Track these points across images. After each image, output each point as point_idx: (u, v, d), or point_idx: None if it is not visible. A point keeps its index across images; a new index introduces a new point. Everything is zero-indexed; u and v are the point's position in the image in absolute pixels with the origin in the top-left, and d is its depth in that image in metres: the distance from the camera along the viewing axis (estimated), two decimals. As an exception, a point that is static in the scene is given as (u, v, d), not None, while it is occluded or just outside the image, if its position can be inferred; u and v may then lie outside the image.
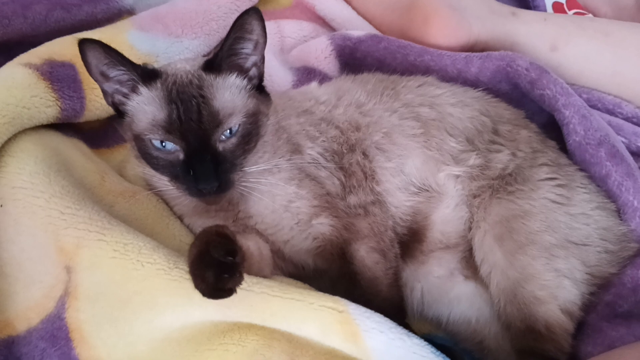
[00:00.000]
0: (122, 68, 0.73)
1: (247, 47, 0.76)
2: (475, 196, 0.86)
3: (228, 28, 1.09)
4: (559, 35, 1.09)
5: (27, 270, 0.74)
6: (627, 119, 1.06)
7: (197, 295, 0.66)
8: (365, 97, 0.90)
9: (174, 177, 0.73)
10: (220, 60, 0.74)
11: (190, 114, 0.71)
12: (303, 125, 0.87)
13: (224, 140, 0.73)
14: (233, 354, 0.69)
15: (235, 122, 0.73)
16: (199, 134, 0.71)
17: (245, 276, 0.68)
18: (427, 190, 0.86)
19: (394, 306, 0.81)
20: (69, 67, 0.90)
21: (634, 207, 0.86)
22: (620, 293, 0.81)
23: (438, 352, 0.72)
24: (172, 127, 0.71)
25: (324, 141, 0.86)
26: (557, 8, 1.34)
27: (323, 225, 0.81)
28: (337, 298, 0.71)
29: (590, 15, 1.33)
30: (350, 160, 0.85)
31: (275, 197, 0.80)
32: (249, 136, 0.75)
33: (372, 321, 0.70)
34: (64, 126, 0.91)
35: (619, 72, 1.08)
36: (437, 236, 0.86)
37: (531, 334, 0.79)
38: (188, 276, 0.67)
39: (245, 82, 0.76)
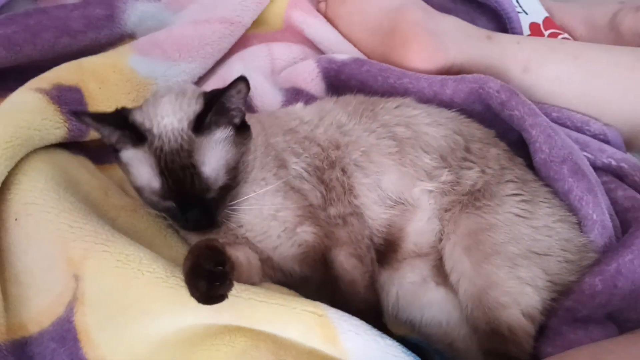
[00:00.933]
0: (110, 130, 0.80)
1: (236, 105, 0.82)
2: (446, 210, 0.93)
3: (222, 51, 1.19)
4: (531, 58, 1.16)
5: (39, 278, 0.82)
6: (594, 136, 1.13)
7: (191, 301, 0.73)
8: (345, 118, 0.98)
9: (168, 215, 0.83)
10: (210, 122, 0.80)
11: (183, 184, 0.79)
12: (289, 143, 0.94)
13: (214, 191, 0.81)
14: (224, 353, 0.76)
15: (224, 178, 0.81)
16: (192, 194, 0.79)
17: (235, 284, 0.75)
18: (403, 204, 0.93)
19: (371, 306, 0.88)
20: (75, 91, 0.98)
21: (593, 220, 0.93)
22: (580, 299, 0.87)
23: (409, 352, 0.79)
24: (166, 194, 0.79)
25: (307, 157, 0.93)
26: (534, 28, 1.42)
27: (307, 233, 0.88)
28: (317, 303, 0.79)
29: (566, 35, 1.41)
30: (331, 175, 0.92)
31: (264, 207, 0.87)
32: (236, 178, 0.83)
33: (348, 324, 0.77)
34: (71, 144, 0.98)
35: (587, 93, 1.16)
36: (410, 247, 0.93)
37: (496, 336, 0.86)
38: (183, 284, 0.75)
39: (230, 130, 0.82)
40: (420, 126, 0.99)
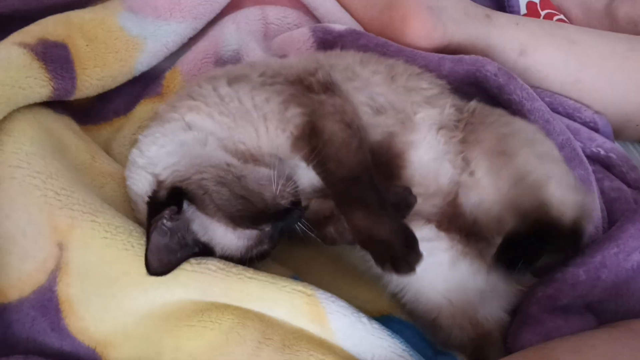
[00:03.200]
0: None
1: None
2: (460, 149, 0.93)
3: (215, 12, 1.16)
4: (528, 41, 1.15)
5: (21, 244, 0.79)
6: (584, 124, 1.14)
7: (181, 275, 0.74)
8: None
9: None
10: None
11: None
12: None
13: None
14: (210, 330, 0.76)
15: None
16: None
17: (224, 261, 0.76)
18: (398, 112, 0.92)
19: (365, 167, 0.84)
20: (61, 47, 0.94)
21: None
22: (561, 288, 0.88)
23: (394, 334, 0.80)
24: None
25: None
26: (531, 7, 1.41)
27: (295, 116, 0.85)
28: (306, 284, 0.79)
29: (561, 16, 1.40)
30: (310, 79, 0.90)
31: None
32: None
33: (336, 305, 0.78)
34: (54, 103, 0.94)
35: (580, 80, 1.15)
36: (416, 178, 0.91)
37: (542, 206, 0.86)
38: None
39: None
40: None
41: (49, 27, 0.95)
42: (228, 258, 0.81)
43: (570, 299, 0.89)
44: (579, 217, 0.88)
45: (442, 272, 0.92)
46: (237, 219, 0.79)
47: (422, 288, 0.92)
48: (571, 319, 0.88)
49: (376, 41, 1.09)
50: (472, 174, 0.92)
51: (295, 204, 0.83)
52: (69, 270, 0.77)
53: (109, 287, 0.76)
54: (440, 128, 0.94)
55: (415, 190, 0.89)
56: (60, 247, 0.77)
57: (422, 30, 1.10)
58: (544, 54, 1.15)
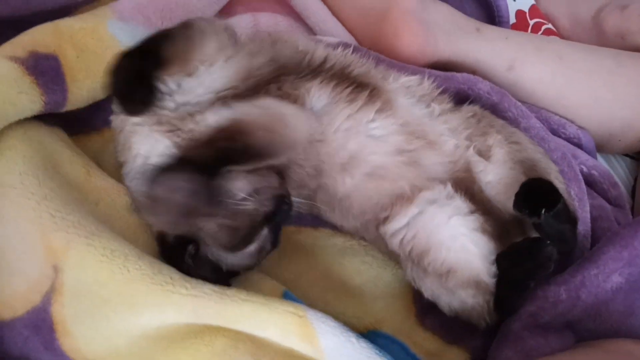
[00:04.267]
0: None
1: None
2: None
3: None
4: (517, 55, 1.17)
5: (13, 263, 0.79)
6: (568, 139, 1.16)
7: (174, 298, 0.75)
8: None
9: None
10: None
11: None
12: None
13: None
14: (203, 353, 0.77)
15: None
16: None
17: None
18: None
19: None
20: (52, 59, 0.93)
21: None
22: (543, 306, 0.91)
23: (381, 352, 0.82)
24: None
25: None
26: (520, 16, 1.42)
27: None
28: (298, 305, 0.80)
29: (549, 25, 1.42)
30: None
31: None
32: None
33: (327, 325, 0.79)
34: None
35: (566, 96, 1.18)
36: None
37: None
38: (169, 281, 0.76)
39: None
40: None
41: (39, 38, 0.94)
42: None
43: (551, 317, 0.92)
44: None
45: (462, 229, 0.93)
46: (230, 248, 0.80)
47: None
48: (551, 337, 0.91)
49: (369, 54, 1.09)
50: (488, 156, 0.97)
51: (281, 197, 0.85)
52: (63, 291, 0.77)
53: (102, 308, 0.77)
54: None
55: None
56: (55, 269, 0.78)
57: (414, 44, 1.11)
58: (531, 69, 1.17)
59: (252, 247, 0.85)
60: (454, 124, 0.99)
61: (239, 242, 0.81)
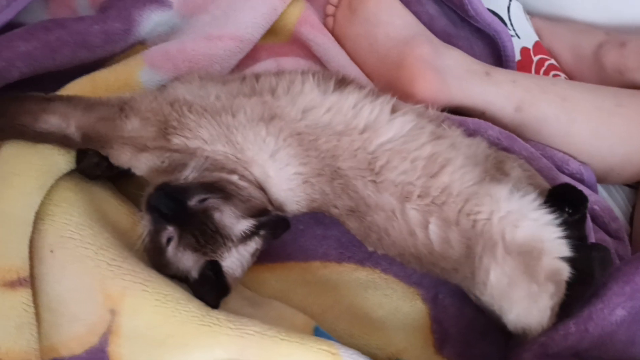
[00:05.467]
0: None
1: None
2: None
3: (230, 67, 1.23)
4: (524, 98, 1.25)
5: (72, 308, 0.87)
6: (571, 175, 1.24)
7: (222, 338, 0.83)
8: None
9: None
10: None
11: None
12: None
13: None
14: None
15: None
16: None
17: (260, 322, 0.86)
18: None
19: None
20: None
21: None
22: (553, 338, 0.99)
23: None
24: None
25: None
26: (525, 53, 1.50)
27: None
28: (331, 342, 0.88)
29: (552, 60, 1.50)
30: None
31: None
32: None
33: None
34: None
35: (570, 134, 1.26)
36: None
37: None
38: (216, 322, 0.84)
39: None
40: None
41: (77, 91, 1.02)
42: None
43: (560, 348, 0.99)
44: None
45: None
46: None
47: None
48: (560, 368, 0.99)
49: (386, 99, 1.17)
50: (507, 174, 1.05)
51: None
52: (120, 333, 0.85)
53: (156, 348, 0.85)
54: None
55: None
56: (113, 313, 0.85)
57: (429, 90, 1.19)
58: (538, 111, 1.25)
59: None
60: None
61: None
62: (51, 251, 0.88)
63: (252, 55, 1.26)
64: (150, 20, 1.20)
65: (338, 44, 1.31)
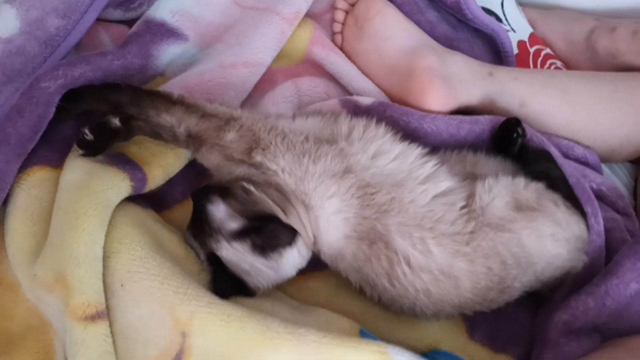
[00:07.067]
0: None
1: None
2: None
3: (246, 92, 1.31)
4: (526, 93, 1.34)
5: (145, 334, 0.96)
6: (577, 160, 1.33)
7: (283, 349, 0.92)
8: None
9: None
10: None
11: None
12: None
13: None
14: None
15: None
16: None
17: (315, 330, 0.94)
18: None
19: None
20: (120, 155, 1.13)
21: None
22: (575, 314, 1.09)
23: None
24: None
25: None
26: (522, 46, 1.59)
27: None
28: (379, 342, 0.96)
29: (548, 50, 1.59)
30: None
31: None
32: None
33: (404, 357, 0.96)
34: (136, 198, 1.10)
35: (571, 122, 1.35)
36: None
37: None
38: (276, 335, 0.92)
39: None
40: None
41: None
42: None
43: (582, 323, 1.09)
44: None
45: None
46: None
47: None
48: (582, 340, 1.09)
49: (401, 111, 1.25)
50: None
51: None
52: (191, 352, 0.94)
53: None
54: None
55: None
56: (183, 335, 0.94)
57: (438, 98, 1.28)
58: (540, 104, 1.34)
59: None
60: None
61: None
62: (122, 285, 0.97)
63: (269, 79, 1.35)
64: (168, 54, 1.29)
65: (349, 60, 1.39)
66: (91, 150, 1.08)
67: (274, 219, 1.03)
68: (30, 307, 1.05)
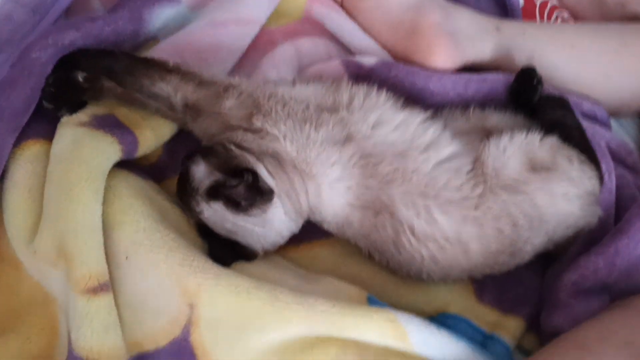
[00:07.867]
0: None
1: None
2: None
3: (239, 51, 1.26)
4: (534, 48, 1.30)
5: (153, 305, 0.95)
6: (585, 115, 1.31)
7: (293, 318, 0.92)
8: None
9: None
10: None
11: None
12: None
13: None
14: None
15: None
16: None
17: (324, 300, 0.94)
18: None
19: None
20: (110, 117, 1.08)
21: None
22: (584, 274, 1.08)
23: (458, 337, 0.99)
24: None
25: None
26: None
27: None
28: (388, 310, 0.96)
29: (554, 1, 1.54)
30: None
31: None
32: None
33: (413, 324, 0.95)
34: (133, 167, 1.08)
35: (579, 77, 1.32)
36: None
37: None
38: (285, 306, 0.92)
39: None
40: None
41: (93, 103, 1.09)
42: None
43: (592, 283, 1.08)
44: None
45: None
46: None
47: None
48: (592, 301, 1.08)
49: (406, 71, 1.21)
50: None
51: None
52: (200, 323, 0.94)
53: (235, 332, 0.93)
54: None
55: None
56: (191, 306, 0.94)
57: (445, 56, 1.24)
58: (548, 59, 1.30)
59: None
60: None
61: None
62: (126, 257, 0.95)
63: (268, 40, 1.30)
64: (161, 17, 1.24)
65: (350, 19, 1.34)
66: (55, 103, 1.04)
67: (250, 172, 1.00)
68: (34, 284, 1.04)
